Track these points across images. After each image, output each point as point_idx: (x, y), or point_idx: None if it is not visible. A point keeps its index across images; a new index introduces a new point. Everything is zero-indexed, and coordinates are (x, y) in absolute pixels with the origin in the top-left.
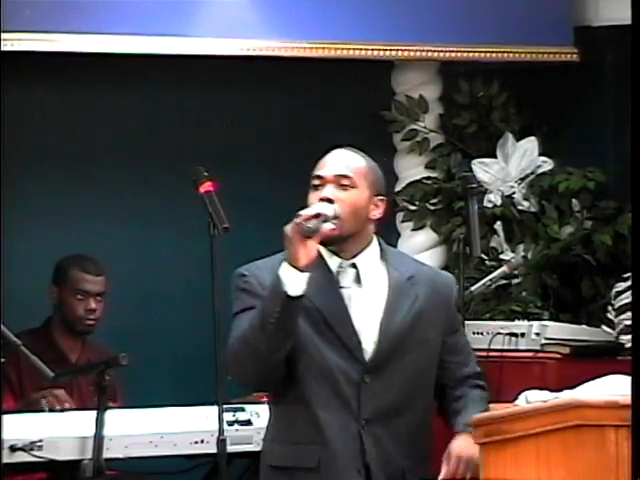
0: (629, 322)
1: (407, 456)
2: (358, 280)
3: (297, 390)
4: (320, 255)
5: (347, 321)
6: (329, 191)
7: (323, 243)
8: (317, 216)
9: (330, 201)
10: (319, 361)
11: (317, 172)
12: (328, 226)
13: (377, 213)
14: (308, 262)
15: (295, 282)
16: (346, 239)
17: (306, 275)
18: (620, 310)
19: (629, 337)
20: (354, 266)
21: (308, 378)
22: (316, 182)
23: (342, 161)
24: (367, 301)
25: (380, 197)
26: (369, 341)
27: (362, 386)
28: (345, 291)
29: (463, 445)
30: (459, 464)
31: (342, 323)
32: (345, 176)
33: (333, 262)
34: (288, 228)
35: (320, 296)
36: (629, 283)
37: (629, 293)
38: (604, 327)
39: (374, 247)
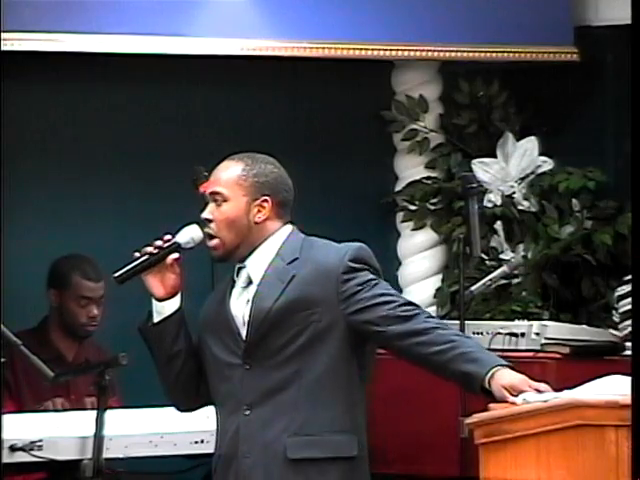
0: (627, 308)
1: (294, 432)
2: (250, 280)
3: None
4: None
5: (226, 315)
6: (208, 210)
7: (219, 259)
8: (160, 248)
9: (210, 221)
10: (213, 361)
11: (201, 191)
12: (213, 243)
13: (262, 215)
14: (168, 292)
15: (159, 310)
16: (235, 249)
17: (170, 302)
18: (625, 316)
19: (628, 323)
20: (245, 267)
21: (209, 373)
22: (205, 201)
23: (215, 176)
24: (250, 295)
25: (264, 198)
26: (244, 329)
27: (244, 373)
28: (235, 290)
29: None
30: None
31: (223, 318)
32: (216, 192)
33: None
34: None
35: (216, 302)
36: (630, 287)
37: (630, 300)
38: (611, 330)
39: (269, 245)
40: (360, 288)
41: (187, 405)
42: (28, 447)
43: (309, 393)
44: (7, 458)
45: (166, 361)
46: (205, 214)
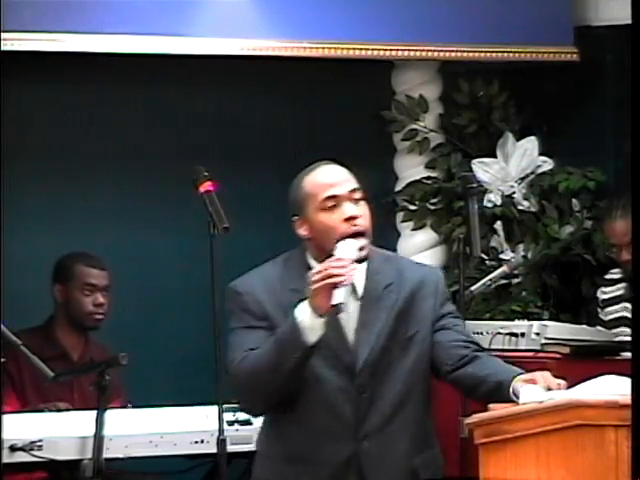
0: (623, 338)
1: (411, 456)
2: (355, 292)
3: (294, 409)
4: None
5: (342, 337)
6: (351, 209)
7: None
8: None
9: (355, 218)
10: (317, 379)
11: (328, 193)
12: (364, 253)
13: None
14: (329, 309)
15: (314, 328)
16: None
17: (324, 320)
18: (611, 324)
19: (617, 330)
20: (321, 315)
21: (306, 397)
22: (330, 203)
23: (343, 175)
24: (361, 315)
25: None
26: (360, 354)
27: (359, 399)
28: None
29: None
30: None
31: (338, 340)
32: (356, 189)
33: None
34: (315, 279)
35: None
36: (617, 293)
37: (620, 307)
38: (599, 327)
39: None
40: (445, 313)
41: (262, 411)
42: (28, 447)
43: (420, 414)
44: (7, 458)
45: (294, 375)
46: (351, 212)
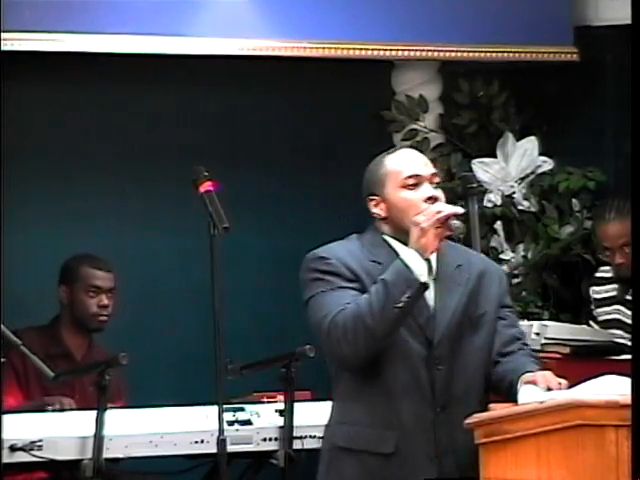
0: (606, 317)
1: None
2: (430, 271)
3: (378, 373)
4: (394, 251)
5: (425, 308)
6: (432, 190)
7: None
8: (455, 215)
9: (436, 199)
10: (402, 345)
11: (411, 172)
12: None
13: None
14: (434, 252)
15: (422, 270)
16: None
17: (427, 264)
18: (604, 325)
19: (611, 332)
20: (427, 260)
21: (390, 362)
22: (412, 181)
23: (424, 158)
24: (437, 291)
25: None
26: (438, 327)
27: (437, 373)
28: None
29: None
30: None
31: (420, 310)
32: (436, 175)
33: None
34: (423, 218)
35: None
36: (609, 294)
37: (613, 309)
38: (595, 326)
39: None
40: (509, 310)
41: (361, 364)
42: (28, 447)
43: (483, 394)
44: (7, 458)
45: (402, 318)
46: (431, 193)
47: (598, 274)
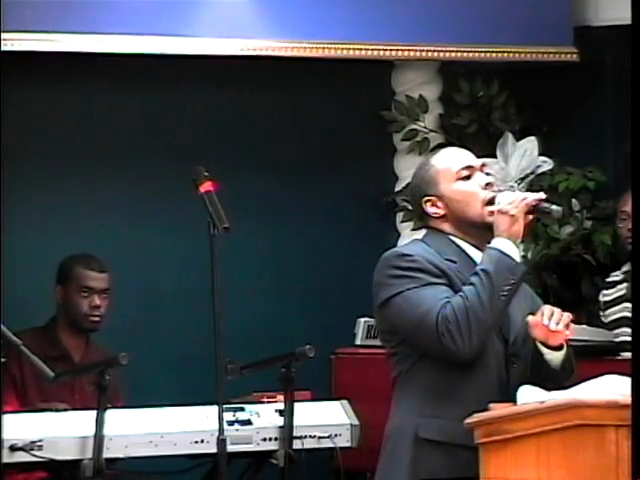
0: (624, 338)
1: None
2: None
3: (470, 369)
4: (463, 250)
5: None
6: (487, 179)
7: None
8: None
9: (492, 185)
10: (488, 342)
11: (464, 163)
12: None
13: None
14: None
15: (515, 253)
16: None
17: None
18: (613, 325)
19: (618, 331)
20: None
21: (479, 358)
22: (465, 173)
23: (470, 153)
24: None
25: None
26: (512, 324)
27: (511, 369)
28: None
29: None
30: (552, 312)
31: None
32: (485, 164)
33: (476, 256)
34: (510, 206)
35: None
36: (618, 293)
37: (621, 307)
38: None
39: None
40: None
41: (474, 354)
42: (28, 447)
43: None
44: (7, 458)
45: (507, 305)
46: (489, 180)
47: (609, 279)
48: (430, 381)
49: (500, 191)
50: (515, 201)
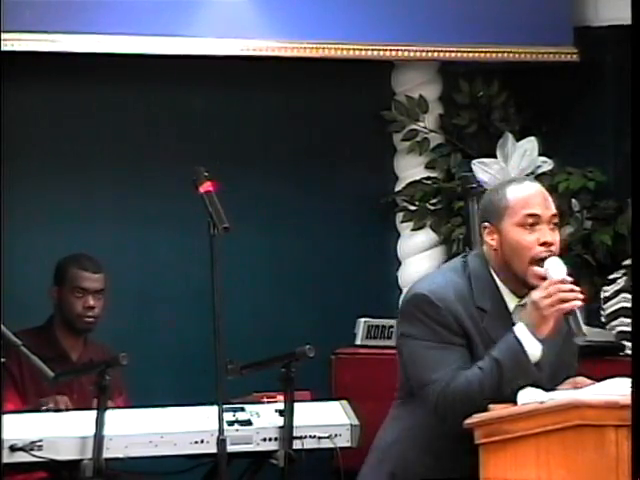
0: (623, 328)
1: None
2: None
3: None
4: (500, 293)
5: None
6: (549, 235)
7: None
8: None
9: (552, 245)
10: None
11: (531, 210)
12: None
13: None
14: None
15: (536, 351)
16: None
17: (541, 346)
18: (611, 316)
19: (616, 322)
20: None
21: None
22: (530, 220)
23: (548, 197)
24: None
25: None
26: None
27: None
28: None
29: None
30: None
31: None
32: (556, 215)
33: (510, 300)
34: (545, 304)
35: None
36: (617, 287)
37: (619, 298)
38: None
39: None
40: None
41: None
42: (28, 447)
43: None
44: (7, 458)
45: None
46: (548, 238)
47: (611, 276)
48: (420, 419)
49: (551, 254)
50: (551, 297)
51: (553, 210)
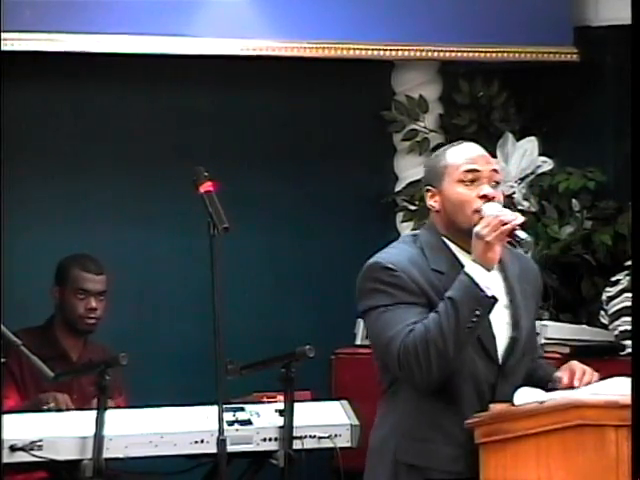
0: (625, 327)
1: None
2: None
3: (447, 389)
4: (454, 255)
5: (487, 324)
6: (489, 189)
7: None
8: (521, 225)
9: (492, 198)
10: (468, 362)
11: (470, 166)
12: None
13: None
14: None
15: (489, 283)
16: None
17: (492, 275)
18: (614, 316)
19: (620, 321)
20: (496, 272)
21: (458, 378)
22: (470, 176)
23: (486, 154)
24: (506, 315)
25: None
26: (501, 341)
27: (496, 388)
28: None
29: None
30: (584, 372)
31: (485, 330)
32: (496, 170)
33: (464, 258)
34: (486, 231)
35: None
36: (620, 287)
37: (622, 297)
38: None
39: None
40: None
41: (434, 386)
42: (28, 447)
43: None
44: (7, 458)
45: (472, 336)
46: (488, 192)
47: (613, 278)
48: (408, 402)
49: (488, 200)
50: (490, 224)
51: (493, 166)
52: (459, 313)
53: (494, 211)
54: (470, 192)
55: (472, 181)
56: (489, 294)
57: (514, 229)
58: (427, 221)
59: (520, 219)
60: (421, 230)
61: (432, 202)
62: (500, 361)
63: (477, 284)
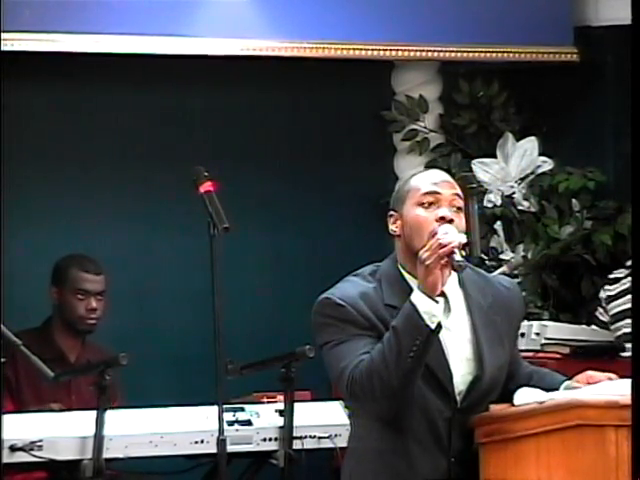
0: (619, 309)
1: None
2: (448, 309)
3: (395, 421)
4: (408, 286)
5: (441, 356)
6: (447, 212)
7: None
8: (463, 247)
9: (450, 221)
10: (419, 397)
11: (430, 189)
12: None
13: None
14: (440, 291)
15: (432, 313)
16: None
17: (439, 305)
18: (617, 317)
19: (621, 323)
20: (443, 294)
21: (406, 409)
22: (429, 199)
23: (450, 180)
24: (456, 333)
25: None
26: (460, 378)
27: (453, 422)
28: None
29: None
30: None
31: (436, 357)
32: (459, 195)
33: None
34: (426, 255)
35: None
36: (622, 287)
37: (626, 299)
38: (593, 327)
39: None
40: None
41: (386, 417)
42: (28, 447)
43: None
44: (7, 458)
45: (416, 366)
46: (447, 214)
47: (612, 275)
48: (362, 429)
49: (445, 222)
50: (431, 248)
51: (456, 191)
52: (400, 342)
53: (441, 234)
54: (428, 215)
55: (431, 204)
56: (432, 322)
57: (452, 252)
58: (387, 259)
59: (458, 241)
60: (384, 261)
61: (393, 227)
62: (458, 397)
63: (418, 312)
